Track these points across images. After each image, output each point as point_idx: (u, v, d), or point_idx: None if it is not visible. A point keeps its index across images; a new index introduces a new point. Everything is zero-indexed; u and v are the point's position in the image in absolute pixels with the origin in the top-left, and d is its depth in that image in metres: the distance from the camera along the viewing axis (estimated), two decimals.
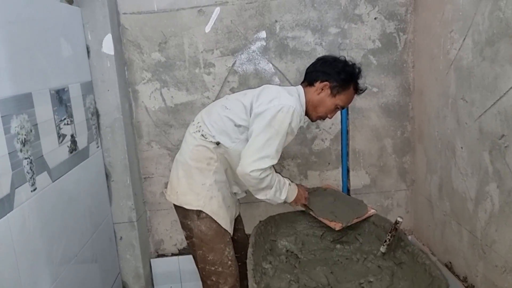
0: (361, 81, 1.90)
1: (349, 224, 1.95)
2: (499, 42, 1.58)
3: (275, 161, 1.69)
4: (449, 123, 2.03)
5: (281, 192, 1.80)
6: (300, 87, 1.87)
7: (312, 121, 1.93)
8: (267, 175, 1.70)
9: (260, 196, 1.77)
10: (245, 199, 2.09)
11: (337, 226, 1.93)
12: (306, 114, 1.87)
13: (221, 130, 1.77)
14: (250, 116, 1.73)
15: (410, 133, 2.54)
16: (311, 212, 2.01)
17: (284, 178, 1.86)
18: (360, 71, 1.88)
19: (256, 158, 1.65)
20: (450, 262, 2.14)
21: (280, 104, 1.67)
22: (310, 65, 1.91)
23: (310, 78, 1.86)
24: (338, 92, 1.81)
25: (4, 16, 1.41)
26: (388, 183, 2.61)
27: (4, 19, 1.41)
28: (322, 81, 1.81)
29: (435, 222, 2.29)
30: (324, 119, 1.93)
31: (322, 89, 1.81)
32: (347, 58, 1.88)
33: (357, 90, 1.88)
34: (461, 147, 1.93)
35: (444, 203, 2.16)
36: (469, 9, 1.78)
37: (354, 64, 1.87)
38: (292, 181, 1.92)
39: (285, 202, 1.87)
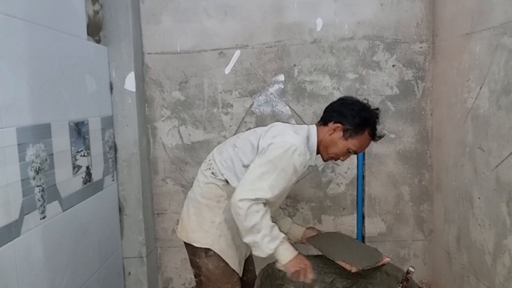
0: (378, 128, 1.81)
1: (366, 268, 1.88)
2: None
3: (267, 196, 1.60)
4: (467, 172, 1.98)
5: (271, 240, 1.59)
6: (314, 126, 1.83)
7: (324, 160, 1.86)
8: (257, 211, 1.58)
9: (247, 239, 1.62)
10: None
11: (353, 268, 1.85)
12: (318, 153, 1.85)
13: (229, 168, 1.76)
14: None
15: (428, 181, 2.48)
16: (324, 253, 1.94)
17: (283, 234, 1.67)
18: (378, 117, 1.80)
19: (248, 188, 1.59)
20: None
21: (282, 141, 1.65)
22: (329, 104, 1.88)
23: (325, 117, 1.82)
24: (351, 135, 1.75)
25: (30, 50, 1.50)
26: (405, 232, 2.52)
27: (31, 53, 1.50)
28: (335, 122, 1.76)
29: (453, 275, 2.18)
30: (336, 160, 1.88)
31: (334, 130, 1.76)
32: (369, 103, 1.82)
33: (374, 137, 1.80)
34: (479, 197, 1.87)
35: (462, 256, 2.06)
36: (485, 59, 1.78)
37: (373, 110, 1.80)
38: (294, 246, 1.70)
39: (276, 261, 1.65)
